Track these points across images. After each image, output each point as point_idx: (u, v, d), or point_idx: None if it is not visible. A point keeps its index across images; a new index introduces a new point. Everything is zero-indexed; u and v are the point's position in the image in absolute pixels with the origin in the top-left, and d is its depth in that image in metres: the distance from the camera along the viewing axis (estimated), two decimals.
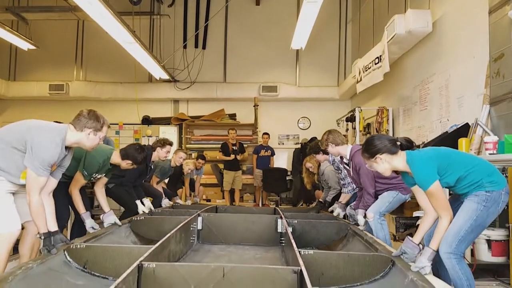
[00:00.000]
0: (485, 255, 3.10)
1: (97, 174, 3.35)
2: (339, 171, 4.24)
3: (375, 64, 6.05)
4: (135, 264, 1.87)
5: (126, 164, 3.40)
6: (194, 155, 7.80)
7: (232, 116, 9.49)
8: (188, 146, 9.25)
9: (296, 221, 3.53)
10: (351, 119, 7.50)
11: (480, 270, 3.15)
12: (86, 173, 3.23)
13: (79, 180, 3.26)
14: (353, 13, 9.36)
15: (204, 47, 9.62)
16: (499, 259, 3.06)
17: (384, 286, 2.11)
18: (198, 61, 9.45)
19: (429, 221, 2.32)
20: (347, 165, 3.54)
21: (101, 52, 9.33)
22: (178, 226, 2.97)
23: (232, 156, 7.86)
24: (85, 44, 9.65)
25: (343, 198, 4.19)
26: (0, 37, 6.67)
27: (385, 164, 2.32)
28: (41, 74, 9.52)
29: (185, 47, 9.30)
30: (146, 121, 9.39)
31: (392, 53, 5.70)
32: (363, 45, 7.93)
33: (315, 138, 7.15)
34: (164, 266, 1.96)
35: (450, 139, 3.81)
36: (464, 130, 3.89)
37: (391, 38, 5.29)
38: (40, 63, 9.55)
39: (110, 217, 3.40)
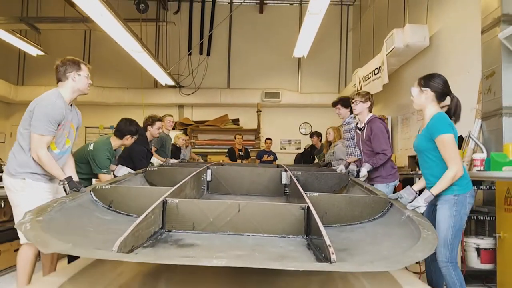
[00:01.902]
0: (475, 262, 3.31)
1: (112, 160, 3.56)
2: (348, 134, 4.28)
3: (375, 74, 6.26)
4: (160, 200, 2.09)
5: (127, 140, 3.63)
6: (198, 158, 7.98)
7: (236, 122, 9.70)
8: (192, 150, 9.43)
9: (300, 173, 3.68)
10: None
11: (470, 276, 3.36)
12: (105, 170, 3.41)
13: (105, 179, 3.38)
14: (353, 23, 9.57)
15: (208, 54, 9.84)
16: (487, 266, 3.27)
17: (383, 224, 2.28)
18: (202, 68, 9.67)
19: None
20: (360, 130, 3.62)
21: (108, 58, 9.50)
22: (191, 175, 3.15)
23: (239, 161, 8.03)
24: (92, 51, 9.84)
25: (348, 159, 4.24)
26: (9, 43, 6.93)
27: (422, 99, 2.50)
28: (49, 79, 9.61)
29: (190, 53, 9.51)
30: None
31: (391, 64, 5.91)
32: (363, 54, 8.13)
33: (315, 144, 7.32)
34: (186, 201, 2.19)
35: None
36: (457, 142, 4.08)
37: (390, 51, 5.50)
38: (48, 69, 9.57)
39: (122, 169, 3.54)
